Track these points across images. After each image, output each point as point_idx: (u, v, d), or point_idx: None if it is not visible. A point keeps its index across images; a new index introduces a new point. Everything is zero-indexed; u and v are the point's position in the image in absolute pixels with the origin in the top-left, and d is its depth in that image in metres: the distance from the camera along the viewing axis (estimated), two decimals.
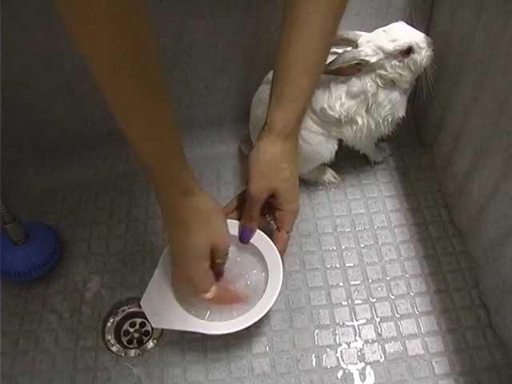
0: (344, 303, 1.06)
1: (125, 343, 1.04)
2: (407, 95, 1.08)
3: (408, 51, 0.99)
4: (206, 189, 1.22)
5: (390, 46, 0.98)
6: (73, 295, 1.09)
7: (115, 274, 1.11)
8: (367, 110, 1.06)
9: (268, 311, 0.94)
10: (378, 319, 1.04)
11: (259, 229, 1.01)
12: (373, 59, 0.99)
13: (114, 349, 1.02)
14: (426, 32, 1.18)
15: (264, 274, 1.00)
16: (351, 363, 0.99)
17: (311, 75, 0.91)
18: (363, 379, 0.97)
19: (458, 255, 1.12)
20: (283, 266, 0.98)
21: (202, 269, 0.89)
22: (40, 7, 1.03)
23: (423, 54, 1.00)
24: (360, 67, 1.00)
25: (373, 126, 1.08)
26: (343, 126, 1.08)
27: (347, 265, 1.11)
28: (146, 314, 0.94)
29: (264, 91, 1.11)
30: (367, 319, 1.04)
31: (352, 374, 0.97)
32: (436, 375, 0.97)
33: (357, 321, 1.04)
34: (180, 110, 1.26)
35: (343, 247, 1.14)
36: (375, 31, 1.01)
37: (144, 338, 1.04)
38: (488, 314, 1.04)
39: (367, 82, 1.02)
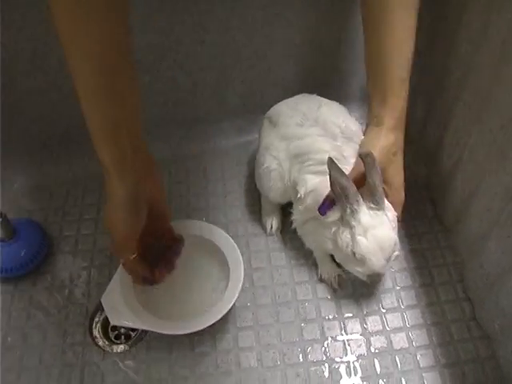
0: (330, 297, 1.07)
1: (112, 339, 1.04)
2: None
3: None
4: (193, 186, 1.25)
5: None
6: (60, 291, 1.09)
7: (102, 270, 1.12)
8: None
9: (227, 312, 0.95)
10: (363, 313, 1.05)
11: None
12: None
13: (101, 344, 1.03)
14: None
15: (225, 274, 1.02)
16: (337, 357, 0.99)
17: (407, 66, 0.91)
18: (349, 372, 0.98)
19: (443, 250, 1.13)
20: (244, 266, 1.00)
21: (130, 219, 0.85)
22: (26, 4, 1.03)
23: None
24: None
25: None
26: None
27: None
28: (106, 310, 0.95)
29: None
30: (353, 313, 1.05)
31: (338, 367, 0.98)
32: (421, 368, 0.98)
33: (343, 315, 1.04)
34: (167, 106, 1.27)
35: None
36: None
37: (131, 333, 1.04)
38: (472, 307, 1.05)
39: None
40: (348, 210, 0.88)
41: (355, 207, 0.87)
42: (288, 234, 1.15)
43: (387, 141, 0.92)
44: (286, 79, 1.22)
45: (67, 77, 1.14)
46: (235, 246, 1.02)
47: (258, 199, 1.20)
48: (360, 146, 0.95)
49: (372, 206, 0.89)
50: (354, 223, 0.88)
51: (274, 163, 1.04)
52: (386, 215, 0.90)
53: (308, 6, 1.16)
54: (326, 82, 1.31)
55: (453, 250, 1.13)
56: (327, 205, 0.91)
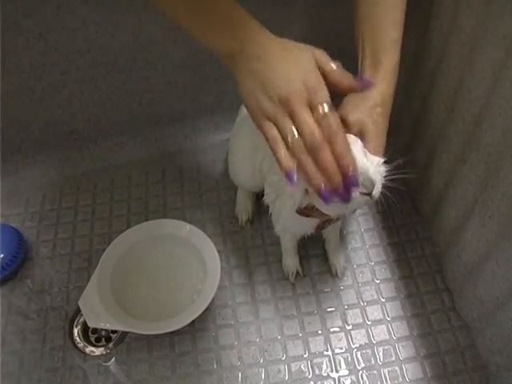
0: (310, 292, 1.07)
1: (93, 341, 1.04)
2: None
3: None
4: (169, 185, 1.24)
5: None
6: (39, 296, 1.09)
7: (81, 274, 1.11)
8: None
9: (206, 310, 0.96)
10: (343, 307, 1.05)
11: None
12: None
13: (82, 347, 1.02)
14: None
15: (202, 272, 1.03)
16: (318, 351, 1.00)
17: (398, 29, 0.89)
18: (331, 366, 0.98)
19: (422, 241, 1.14)
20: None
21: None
22: None
23: None
24: None
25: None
26: None
27: (311, 253, 1.12)
28: (84, 313, 0.96)
29: None
30: (333, 307, 1.05)
31: (320, 361, 0.98)
32: (402, 359, 0.98)
33: (323, 309, 1.05)
34: (141, 106, 1.26)
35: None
36: None
37: (112, 335, 1.04)
38: (451, 297, 1.06)
39: None
40: None
41: None
42: (266, 230, 1.15)
43: (373, 101, 0.85)
44: None
45: (40, 79, 1.15)
46: (212, 244, 1.02)
47: (235, 197, 1.20)
48: (346, 106, 0.85)
49: None
50: None
51: (247, 143, 1.01)
52: None
53: (283, 3, 1.15)
54: None
55: (431, 241, 1.13)
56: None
